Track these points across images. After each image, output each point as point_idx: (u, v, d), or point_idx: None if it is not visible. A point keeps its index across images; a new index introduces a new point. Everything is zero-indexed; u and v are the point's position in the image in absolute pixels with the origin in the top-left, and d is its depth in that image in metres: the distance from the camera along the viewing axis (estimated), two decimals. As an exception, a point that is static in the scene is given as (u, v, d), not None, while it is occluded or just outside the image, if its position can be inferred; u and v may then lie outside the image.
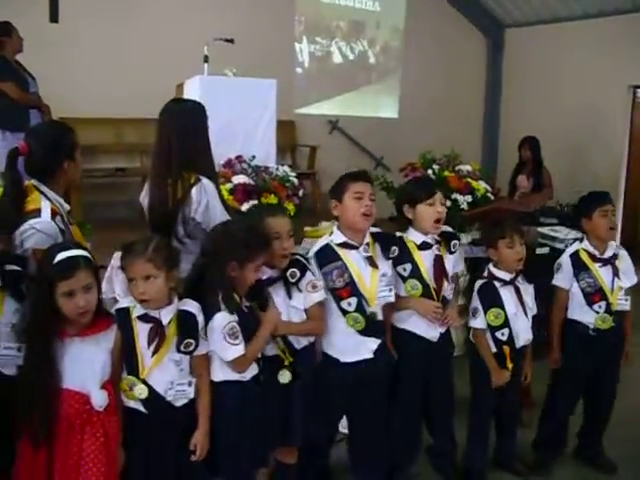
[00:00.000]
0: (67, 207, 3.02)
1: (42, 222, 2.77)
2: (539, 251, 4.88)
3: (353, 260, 3.23)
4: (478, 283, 3.64)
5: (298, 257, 3.10)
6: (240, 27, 7.66)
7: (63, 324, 2.52)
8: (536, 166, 7.70)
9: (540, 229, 5.46)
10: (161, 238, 2.77)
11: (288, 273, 3.01)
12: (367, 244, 3.26)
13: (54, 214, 2.83)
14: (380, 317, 3.32)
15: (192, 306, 2.73)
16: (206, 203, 3.27)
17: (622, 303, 3.74)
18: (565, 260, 3.82)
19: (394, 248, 3.34)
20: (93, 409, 2.53)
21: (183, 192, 3.25)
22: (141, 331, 2.64)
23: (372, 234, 3.31)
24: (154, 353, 2.63)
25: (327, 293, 3.18)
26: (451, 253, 3.54)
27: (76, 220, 3.45)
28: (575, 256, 3.78)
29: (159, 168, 3.35)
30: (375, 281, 3.24)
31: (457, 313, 3.57)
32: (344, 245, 3.24)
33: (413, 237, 3.46)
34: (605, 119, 9.25)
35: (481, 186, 5.49)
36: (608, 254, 3.76)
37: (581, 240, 3.85)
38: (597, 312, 3.70)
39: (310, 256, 3.25)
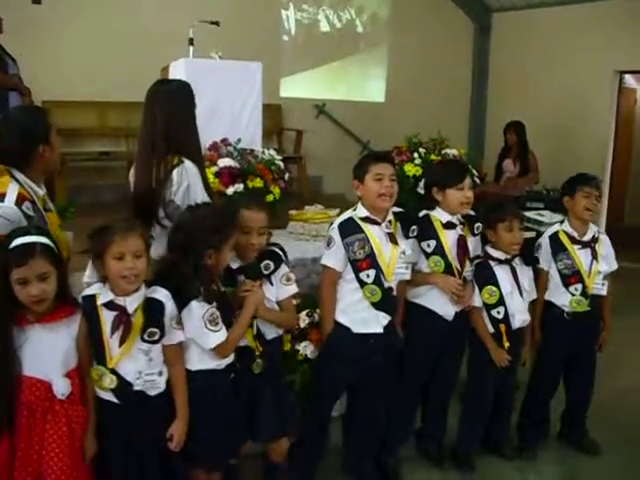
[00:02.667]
0: (41, 192, 2.93)
1: (4, 207, 2.69)
2: (525, 235, 4.88)
3: (375, 234, 3.28)
4: (474, 263, 3.65)
5: (274, 249, 3.10)
6: (226, 8, 7.61)
7: (22, 310, 2.45)
8: (522, 150, 7.70)
9: (526, 213, 5.47)
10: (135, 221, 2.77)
11: (262, 264, 3.01)
12: (389, 221, 3.32)
13: (22, 199, 2.75)
14: (395, 294, 3.37)
15: (160, 294, 2.67)
16: (186, 186, 3.24)
17: (598, 287, 3.74)
18: (544, 241, 3.85)
19: (414, 227, 3.43)
20: (55, 397, 2.48)
21: (165, 174, 3.23)
22: (107, 319, 2.59)
23: (394, 213, 3.37)
24: (121, 342, 2.57)
25: (345, 265, 3.26)
26: (474, 235, 3.62)
27: (60, 204, 3.41)
28: (554, 237, 3.81)
29: (144, 149, 3.33)
30: (394, 257, 3.29)
31: (472, 293, 3.60)
32: (366, 220, 3.29)
33: (440, 215, 3.53)
34: (591, 104, 9.26)
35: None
36: (588, 237, 3.78)
37: (562, 222, 3.87)
38: (572, 294, 3.72)
39: (334, 227, 3.31)
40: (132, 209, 3.35)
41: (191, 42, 5.66)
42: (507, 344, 3.62)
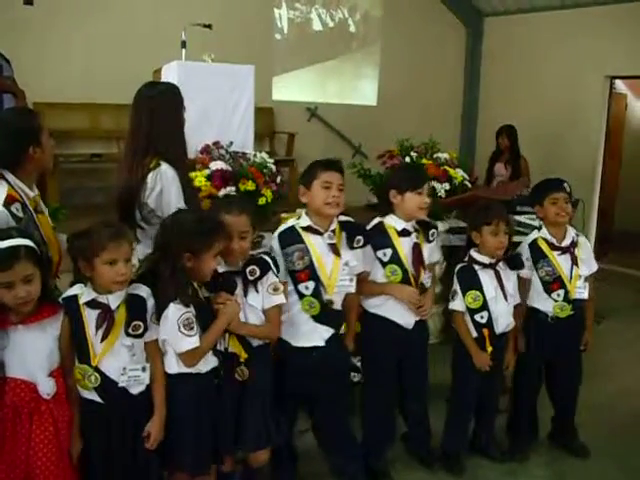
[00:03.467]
0: (32, 194, 2.94)
1: None
2: (516, 239, 4.89)
3: (316, 245, 3.21)
4: (458, 267, 3.66)
5: (263, 256, 3.03)
6: (218, 11, 7.62)
7: (5, 312, 2.46)
8: (513, 155, 7.74)
9: (517, 217, 5.48)
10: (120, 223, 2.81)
11: (248, 270, 2.94)
12: (333, 231, 3.24)
13: (11, 200, 2.76)
14: (338, 307, 3.29)
15: (142, 290, 2.70)
16: (159, 190, 3.25)
17: (580, 291, 3.74)
18: (524, 249, 3.82)
19: (359, 238, 3.30)
20: (41, 397, 2.49)
21: (141, 176, 3.24)
22: (90, 317, 2.59)
23: (340, 222, 3.29)
24: (103, 338, 2.58)
25: (286, 275, 3.17)
26: (429, 242, 3.55)
27: (52, 206, 3.42)
28: (533, 245, 3.79)
29: (128, 152, 3.35)
30: (336, 269, 3.22)
31: (431, 301, 3.58)
32: (309, 229, 3.22)
33: (394, 223, 3.47)
34: (582, 109, 9.30)
35: (459, 174, 5.51)
36: (566, 242, 3.76)
37: (539, 229, 3.86)
38: (555, 300, 3.72)
39: (274, 236, 3.25)
40: (116, 211, 3.37)
41: (183, 45, 5.67)
42: (490, 348, 3.61)
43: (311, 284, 3.18)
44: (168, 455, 2.77)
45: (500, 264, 3.64)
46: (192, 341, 2.68)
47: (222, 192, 4.52)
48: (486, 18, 10.88)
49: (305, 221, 3.24)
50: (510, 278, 3.68)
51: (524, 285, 3.81)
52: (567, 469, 3.86)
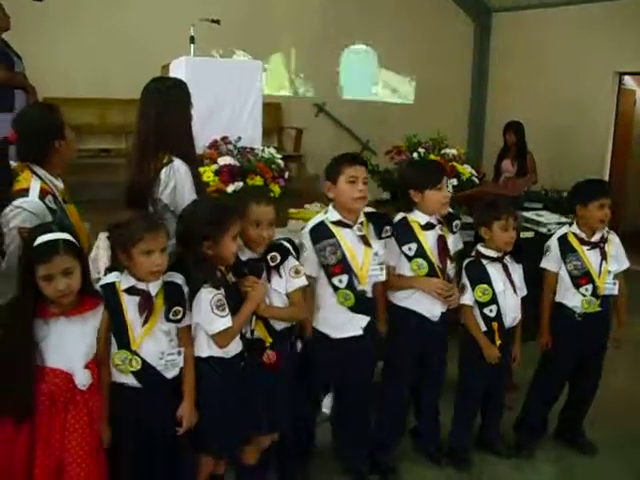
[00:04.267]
0: (61, 186, 3.06)
1: (29, 201, 2.82)
2: (523, 235, 4.89)
3: (347, 238, 3.28)
4: (466, 261, 3.67)
5: (282, 242, 3.13)
6: (228, 5, 7.63)
7: (48, 303, 2.53)
8: (521, 151, 7.72)
9: (525, 213, 5.49)
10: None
11: (269, 257, 3.03)
12: (361, 223, 3.31)
13: (45, 193, 2.88)
14: (370, 295, 3.36)
15: (177, 277, 2.78)
16: (173, 185, 3.27)
17: (610, 287, 3.74)
18: (553, 243, 3.83)
19: (387, 228, 3.40)
20: (77, 388, 2.55)
21: (154, 172, 3.26)
22: (129, 304, 2.67)
23: (366, 214, 3.36)
24: (144, 324, 2.66)
25: (319, 270, 3.26)
26: (453, 233, 3.60)
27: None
28: (563, 239, 3.80)
29: (137, 147, 3.37)
30: (367, 259, 3.29)
31: (458, 292, 3.61)
32: (338, 223, 3.28)
33: (417, 218, 3.51)
34: (591, 105, 9.28)
35: (466, 170, 5.51)
36: (596, 237, 3.76)
37: (570, 224, 3.86)
38: (584, 295, 3.72)
39: (305, 232, 3.31)
40: (125, 205, 3.39)
41: (192, 40, 5.68)
42: (499, 342, 3.62)
43: (344, 277, 3.25)
44: (195, 437, 2.83)
45: (507, 258, 3.65)
46: (225, 321, 2.76)
47: (230, 187, 4.53)
48: (494, 14, 10.87)
49: (334, 215, 3.30)
50: (517, 271, 3.69)
51: (550, 279, 3.83)
52: (574, 466, 3.86)
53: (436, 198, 3.46)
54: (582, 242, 3.75)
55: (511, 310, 3.65)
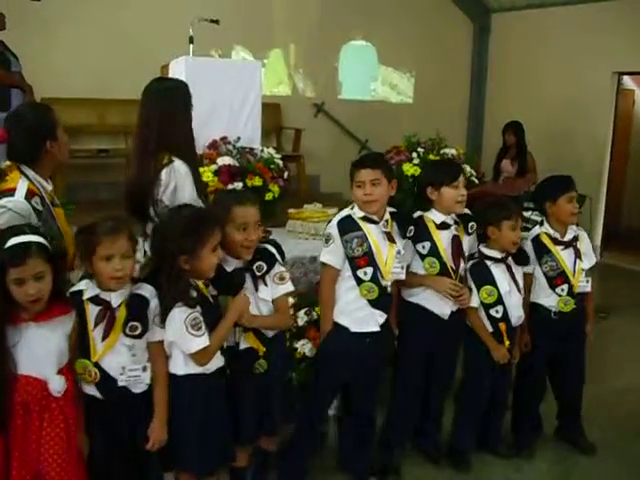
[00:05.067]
0: (49, 188, 3.01)
1: (15, 201, 2.77)
2: (523, 235, 4.89)
3: (373, 232, 3.29)
4: (469, 263, 3.66)
5: (267, 247, 3.03)
6: (226, 5, 7.63)
7: (17, 309, 2.45)
8: (520, 151, 7.73)
9: (525, 214, 5.48)
10: (126, 219, 2.76)
11: (255, 266, 2.94)
12: (386, 221, 3.33)
13: (32, 194, 2.83)
14: (390, 291, 3.38)
15: (146, 290, 2.68)
16: (174, 186, 3.26)
17: (583, 285, 3.75)
18: (527, 245, 3.81)
19: (411, 228, 3.42)
20: (51, 395, 2.49)
21: (154, 173, 3.25)
22: (92, 313, 2.60)
23: (391, 213, 3.37)
24: (104, 337, 2.58)
25: (344, 262, 3.26)
26: (468, 234, 3.61)
27: (59, 201, 3.44)
28: (537, 240, 3.80)
29: (137, 148, 3.36)
30: (391, 256, 3.30)
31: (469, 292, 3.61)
32: (364, 219, 3.30)
33: (433, 217, 3.53)
34: (590, 105, 9.27)
35: (466, 170, 5.50)
36: (569, 237, 3.77)
37: (541, 224, 3.86)
38: (559, 295, 3.73)
39: (333, 224, 3.32)
40: (125, 206, 3.38)
41: (191, 40, 5.67)
42: (507, 342, 3.63)
43: (369, 270, 3.26)
44: (174, 455, 2.75)
45: (509, 258, 3.65)
46: (201, 341, 2.65)
47: (229, 187, 4.53)
48: (493, 14, 10.85)
49: (359, 212, 3.31)
50: (519, 272, 3.70)
51: (526, 280, 3.81)
52: (573, 466, 3.86)
53: (452, 195, 3.48)
54: (556, 242, 3.76)
55: (516, 310, 3.66)
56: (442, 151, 5.56)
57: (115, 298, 2.60)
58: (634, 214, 10.10)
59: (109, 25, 7.89)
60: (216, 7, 7.31)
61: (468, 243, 3.62)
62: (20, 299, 2.42)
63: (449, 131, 6.01)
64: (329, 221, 3.44)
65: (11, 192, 2.79)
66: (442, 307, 3.54)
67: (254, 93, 5.44)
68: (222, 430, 2.84)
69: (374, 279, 3.26)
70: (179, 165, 3.28)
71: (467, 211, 3.63)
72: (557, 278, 3.73)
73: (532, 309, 3.83)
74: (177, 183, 3.27)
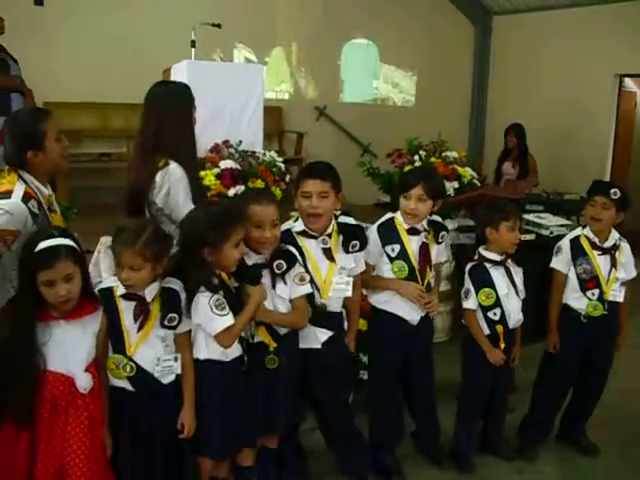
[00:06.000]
0: (47, 192, 3.01)
1: (10, 203, 2.77)
2: (525, 238, 4.90)
3: (311, 249, 3.21)
4: (469, 265, 3.67)
5: (290, 248, 3.07)
6: (228, 10, 7.65)
7: (48, 307, 2.52)
8: (522, 153, 7.75)
9: (526, 216, 5.48)
10: (155, 228, 2.75)
11: (275, 264, 2.98)
12: (328, 235, 3.23)
13: (28, 197, 2.84)
14: (335, 309, 3.29)
15: (175, 283, 2.76)
16: (167, 189, 3.29)
17: (615, 294, 3.74)
18: (565, 244, 3.83)
19: (354, 243, 3.26)
20: (78, 392, 2.55)
21: (150, 175, 3.28)
22: (125, 309, 2.67)
23: (339, 224, 3.28)
24: (139, 330, 2.66)
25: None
26: (438, 243, 3.58)
27: (62, 205, 3.45)
28: (575, 241, 3.80)
29: (137, 150, 3.40)
30: (331, 274, 3.22)
31: (438, 300, 3.60)
32: (304, 234, 3.22)
33: (402, 221, 3.50)
34: (591, 107, 9.27)
35: (467, 172, 5.50)
36: (609, 244, 3.77)
37: (584, 226, 3.86)
38: (590, 299, 3.73)
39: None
40: (125, 208, 3.40)
41: (193, 44, 5.69)
42: (503, 345, 3.62)
43: None
44: (194, 440, 2.81)
45: (509, 261, 3.65)
46: (226, 319, 2.73)
47: (231, 191, 4.53)
48: (495, 16, 10.87)
49: (300, 225, 3.23)
50: (518, 274, 3.70)
51: (559, 280, 3.83)
52: (576, 467, 3.86)
53: (402, 205, 3.45)
54: (594, 247, 3.76)
55: (515, 313, 3.66)
56: (444, 154, 5.56)
57: (148, 293, 2.69)
58: (636, 217, 10.06)
59: (111, 29, 7.92)
60: (218, 7, 7.35)
61: (437, 251, 3.57)
62: (51, 300, 2.49)
63: (451, 134, 6.01)
64: None
65: (8, 194, 2.80)
66: (411, 314, 3.51)
67: (256, 96, 5.44)
68: (242, 415, 2.91)
69: (308, 298, 3.14)
70: (174, 168, 3.30)
71: (438, 219, 3.60)
72: (589, 282, 3.73)
73: (562, 310, 3.84)
74: (170, 186, 3.29)
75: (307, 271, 3.14)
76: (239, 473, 3.14)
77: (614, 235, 3.80)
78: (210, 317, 2.72)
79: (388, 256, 3.47)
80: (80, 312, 2.58)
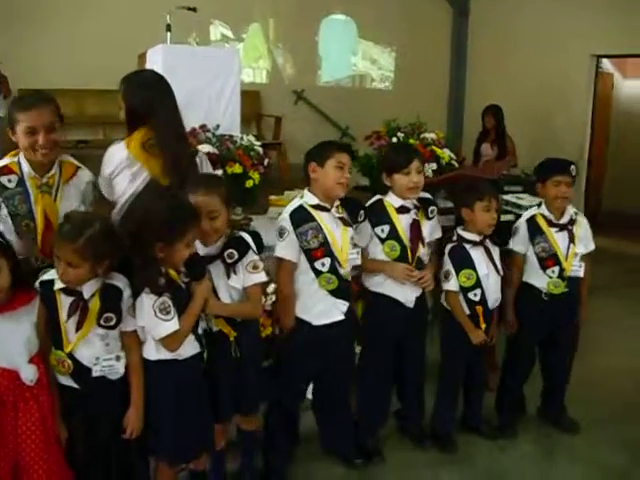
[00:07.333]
0: (33, 173, 3.03)
1: None
2: (504, 218, 4.91)
3: (326, 221, 3.26)
4: (448, 247, 3.67)
5: (243, 235, 3.01)
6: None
7: None
8: (500, 134, 7.76)
9: (505, 197, 5.50)
10: (103, 226, 2.61)
11: (226, 253, 2.91)
12: (337, 207, 3.31)
13: (7, 172, 2.99)
14: (349, 279, 3.37)
15: (119, 280, 2.66)
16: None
17: (576, 269, 3.76)
18: (522, 224, 3.84)
19: (362, 212, 3.41)
20: (24, 384, 2.48)
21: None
22: (64, 304, 2.57)
23: (340, 200, 3.33)
24: (78, 328, 2.56)
25: (300, 255, 3.21)
26: (429, 219, 3.59)
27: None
28: (531, 221, 3.82)
29: (172, 137, 3.30)
30: (346, 242, 3.28)
31: (432, 274, 3.60)
32: (317, 207, 3.26)
33: (392, 200, 3.51)
34: (569, 88, 9.30)
35: (445, 154, 5.50)
36: (564, 220, 3.78)
37: (539, 205, 3.88)
38: (550, 277, 3.75)
39: (285, 216, 3.25)
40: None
41: (168, 28, 5.64)
42: (484, 325, 3.65)
43: (327, 260, 3.22)
44: (149, 443, 2.75)
45: (487, 241, 3.66)
46: (170, 325, 2.62)
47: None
48: (471, -4, 10.84)
49: (312, 199, 3.27)
50: (496, 253, 3.72)
51: (518, 261, 3.84)
52: (556, 445, 3.90)
53: (403, 182, 3.46)
54: (550, 224, 3.77)
55: (493, 292, 3.68)
56: (422, 135, 5.56)
57: (87, 289, 2.58)
58: (615, 197, 10.15)
59: (85, 15, 7.84)
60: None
61: (429, 228, 3.60)
62: None
63: (430, 115, 5.99)
64: (280, 214, 3.38)
65: None
66: (406, 294, 3.54)
67: (233, 79, 5.40)
68: (199, 417, 2.82)
69: (332, 269, 3.23)
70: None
71: (428, 195, 3.62)
72: (548, 260, 3.74)
73: (523, 289, 3.86)
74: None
75: (326, 243, 3.20)
76: (214, 457, 3.14)
77: (569, 210, 3.82)
78: (154, 322, 2.61)
79: (378, 237, 3.50)
80: (13, 304, 2.48)
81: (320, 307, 3.28)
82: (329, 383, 3.48)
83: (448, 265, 3.66)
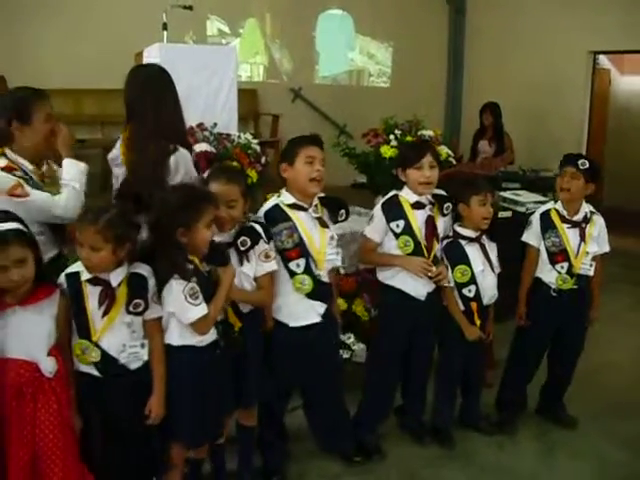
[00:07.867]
0: (31, 167, 3.03)
1: None
2: (502, 215, 4.93)
3: (303, 221, 3.21)
4: (444, 243, 3.67)
5: (254, 225, 3.06)
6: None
7: (2, 294, 2.49)
8: (497, 131, 7.78)
9: (502, 193, 5.51)
10: (120, 210, 2.69)
11: (239, 241, 2.97)
12: (315, 206, 3.26)
13: (10, 169, 2.90)
14: (327, 280, 3.32)
15: (143, 269, 2.72)
16: (184, 172, 3.33)
17: (585, 268, 3.76)
18: (535, 217, 3.87)
19: (342, 212, 3.35)
20: (43, 376, 2.53)
21: (161, 158, 3.28)
22: (91, 294, 2.63)
23: (320, 198, 3.30)
24: (104, 315, 2.61)
25: (275, 255, 3.17)
26: (444, 215, 3.60)
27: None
28: (545, 215, 3.83)
29: (139, 136, 3.34)
30: (324, 242, 3.24)
31: (446, 271, 3.59)
32: (293, 206, 3.22)
33: (407, 196, 3.51)
34: (566, 85, 9.31)
35: (443, 151, 5.50)
36: (578, 217, 3.78)
37: (555, 200, 3.89)
38: (559, 272, 3.75)
39: (259, 216, 3.22)
40: (120, 194, 3.38)
41: (165, 27, 5.64)
42: (479, 321, 3.66)
43: (302, 261, 3.18)
44: (166, 426, 2.79)
45: (484, 237, 3.67)
46: (201, 309, 2.71)
47: (206, 174, 4.51)
48: (468, -5, 10.84)
49: (288, 198, 3.23)
50: (492, 249, 3.72)
51: (531, 254, 3.87)
52: (555, 441, 3.90)
53: (415, 177, 3.46)
54: (563, 220, 3.78)
55: (489, 289, 3.68)
56: (420, 132, 5.56)
57: (114, 278, 2.64)
58: (612, 193, 10.14)
59: (82, 14, 7.83)
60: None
61: (443, 224, 3.61)
62: (3, 285, 2.45)
63: (428, 113, 6.01)
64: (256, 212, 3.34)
65: None
66: (418, 288, 3.53)
67: (229, 77, 5.40)
68: (214, 404, 2.90)
69: (307, 270, 3.19)
70: (185, 152, 3.37)
71: (442, 192, 3.62)
72: (558, 255, 3.75)
73: (533, 283, 3.88)
74: (187, 169, 3.36)
75: (302, 243, 3.17)
76: (213, 451, 3.18)
77: (585, 208, 3.82)
78: (185, 307, 2.69)
79: (393, 232, 3.49)
80: (36, 297, 2.54)
81: (296, 308, 3.24)
82: (315, 386, 3.45)
83: (444, 260, 3.66)
